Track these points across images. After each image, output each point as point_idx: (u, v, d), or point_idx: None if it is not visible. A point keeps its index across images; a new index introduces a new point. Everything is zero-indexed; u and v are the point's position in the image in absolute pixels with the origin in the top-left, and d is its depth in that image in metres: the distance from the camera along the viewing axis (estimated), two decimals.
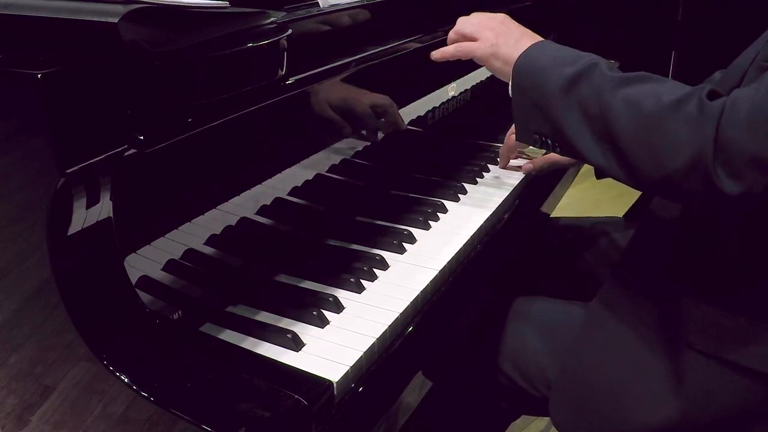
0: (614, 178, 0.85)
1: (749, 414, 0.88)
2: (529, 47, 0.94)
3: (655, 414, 0.90)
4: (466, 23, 1.04)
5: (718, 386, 0.87)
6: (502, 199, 1.14)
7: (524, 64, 0.92)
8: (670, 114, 0.76)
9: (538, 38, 0.99)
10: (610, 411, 0.93)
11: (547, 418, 1.03)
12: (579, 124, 0.84)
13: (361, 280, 0.87)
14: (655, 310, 0.94)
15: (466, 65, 1.43)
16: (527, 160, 1.29)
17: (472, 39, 1.02)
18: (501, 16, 1.06)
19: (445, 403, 1.21)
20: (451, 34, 1.06)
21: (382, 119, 1.14)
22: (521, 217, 1.18)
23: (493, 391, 1.11)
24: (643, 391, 0.91)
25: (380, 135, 1.13)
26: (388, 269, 0.92)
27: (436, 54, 1.06)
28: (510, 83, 0.93)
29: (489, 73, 1.54)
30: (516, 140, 1.00)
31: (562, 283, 1.33)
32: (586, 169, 1.42)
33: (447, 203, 1.11)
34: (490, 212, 1.09)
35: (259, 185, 0.87)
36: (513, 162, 1.29)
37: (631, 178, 0.81)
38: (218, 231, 0.83)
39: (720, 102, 0.74)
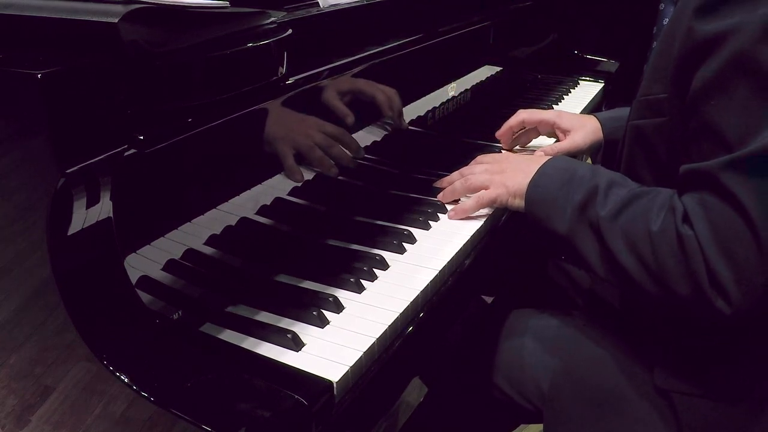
0: None
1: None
2: (535, 174, 0.95)
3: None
4: (473, 174, 1.05)
5: (708, 420, 0.87)
6: None
7: (534, 193, 0.94)
8: (657, 247, 0.78)
9: (542, 158, 0.98)
10: (600, 429, 0.93)
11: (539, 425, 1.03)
12: (597, 254, 0.86)
13: (361, 280, 0.87)
14: (625, 347, 0.96)
15: (466, 65, 1.44)
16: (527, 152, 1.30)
17: (485, 187, 1.02)
18: (505, 154, 1.09)
19: (440, 410, 1.21)
20: (460, 185, 1.05)
21: (387, 114, 1.14)
22: (521, 218, 1.18)
23: (488, 403, 1.11)
24: (635, 410, 0.91)
25: (380, 135, 1.13)
26: (388, 269, 0.92)
27: (457, 213, 1.03)
28: (527, 215, 0.95)
29: (489, 73, 1.55)
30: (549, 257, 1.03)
31: (562, 287, 1.33)
32: None
33: (447, 203, 1.11)
34: (490, 212, 1.09)
35: (259, 185, 0.87)
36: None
37: (656, 300, 0.82)
38: (218, 231, 0.83)
39: (691, 232, 0.76)
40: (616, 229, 0.82)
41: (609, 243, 0.83)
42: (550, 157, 0.99)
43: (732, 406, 0.86)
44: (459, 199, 1.08)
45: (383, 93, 1.11)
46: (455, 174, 1.09)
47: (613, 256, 0.83)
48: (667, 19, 0.95)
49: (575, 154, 1.27)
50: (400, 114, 1.18)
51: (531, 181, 0.95)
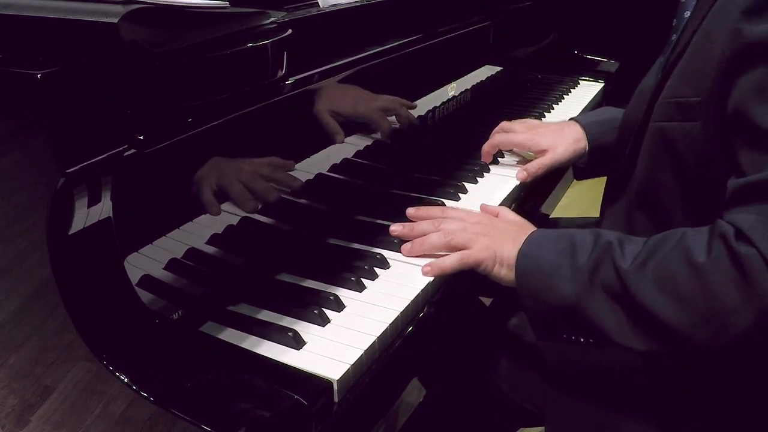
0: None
1: None
2: (523, 245, 0.86)
3: None
4: (453, 232, 0.91)
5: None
6: (502, 199, 1.14)
7: (526, 264, 0.84)
8: (709, 278, 0.70)
9: (529, 228, 0.92)
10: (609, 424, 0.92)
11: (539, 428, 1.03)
12: (616, 318, 0.77)
13: (362, 279, 0.87)
14: (619, 372, 0.92)
15: (466, 65, 1.44)
16: (519, 159, 1.29)
17: (464, 247, 0.90)
18: (478, 215, 0.97)
19: (440, 411, 1.21)
20: (435, 239, 0.91)
21: (394, 116, 1.14)
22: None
23: (487, 405, 1.10)
24: (635, 421, 0.90)
25: (381, 134, 1.13)
26: (389, 268, 0.92)
27: (435, 271, 0.88)
28: (518, 289, 0.85)
29: (489, 73, 1.55)
30: (538, 339, 0.87)
31: None
32: None
33: (447, 202, 1.11)
34: None
35: None
36: (509, 161, 1.29)
37: (703, 355, 0.76)
38: (220, 230, 0.83)
39: (752, 251, 0.68)
40: (647, 279, 0.74)
41: (639, 297, 0.74)
42: (535, 229, 0.91)
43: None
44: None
45: (381, 94, 1.11)
46: (424, 224, 0.95)
47: (645, 312, 0.74)
48: (689, 12, 0.90)
49: (558, 168, 1.25)
50: (409, 120, 1.19)
51: (520, 251, 0.85)
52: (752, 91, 0.74)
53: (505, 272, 0.88)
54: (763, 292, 0.67)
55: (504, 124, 1.27)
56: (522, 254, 0.85)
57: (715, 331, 0.71)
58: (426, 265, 0.89)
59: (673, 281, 0.73)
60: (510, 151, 1.32)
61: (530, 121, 1.31)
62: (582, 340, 0.82)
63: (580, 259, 0.80)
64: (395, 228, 0.96)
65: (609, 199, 1.06)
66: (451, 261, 0.89)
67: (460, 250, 0.90)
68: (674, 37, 0.92)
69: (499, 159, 1.30)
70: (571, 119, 1.27)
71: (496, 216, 0.99)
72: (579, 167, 1.27)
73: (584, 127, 1.22)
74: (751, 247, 0.68)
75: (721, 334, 0.71)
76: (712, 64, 0.79)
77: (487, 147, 1.25)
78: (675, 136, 0.85)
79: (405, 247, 0.93)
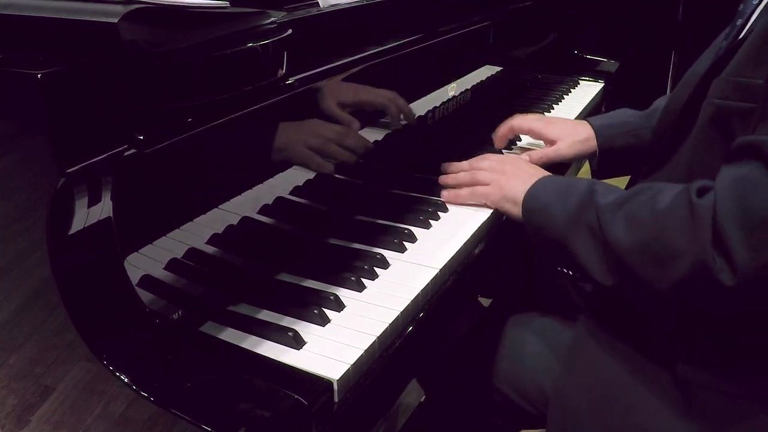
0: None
1: None
2: (531, 187, 0.97)
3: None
4: (480, 169, 1.08)
5: (728, 414, 0.84)
6: None
7: (531, 202, 0.96)
8: (664, 223, 0.76)
9: (543, 173, 1.01)
10: (606, 428, 0.92)
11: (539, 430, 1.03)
12: (590, 253, 0.85)
13: (362, 279, 0.87)
14: (636, 341, 0.93)
15: (466, 65, 1.44)
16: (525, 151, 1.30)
17: (484, 184, 1.06)
18: (511, 158, 1.11)
19: (440, 412, 1.20)
20: (464, 177, 1.10)
21: (397, 114, 1.15)
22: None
23: (487, 408, 1.10)
24: (643, 421, 0.89)
25: (381, 134, 1.13)
26: (389, 268, 0.92)
27: (451, 198, 1.09)
28: (524, 224, 0.96)
29: (489, 73, 1.55)
30: (548, 270, 1.03)
31: (560, 290, 1.32)
32: (586, 169, 1.42)
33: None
34: (491, 212, 1.09)
35: (260, 184, 0.87)
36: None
37: (648, 294, 0.81)
38: (220, 230, 0.83)
39: (709, 198, 0.73)
40: (617, 219, 0.81)
41: (608, 234, 0.82)
42: (548, 175, 1.01)
43: (753, 404, 0.83)
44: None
45: (389, 100, 1.12)
46: (464, 163, 1.12)
47: (611, 248, 0.81)
48: None
49: (561, 162, 1.27)
50: (410, 114, 1.19)
51: (528, 191, 0.97)
52: None
53: (509, 207, 1.01)
54: (702, 238, 0.72)
55: (518, 115, 1.31)
56: (528, 194, 0.97)
57: (660, 273, 0.76)
58: (444, 192, 1.10)
59: (637, 222, 0.79)
60: (515, 143, 1.34)
61: (546, 116, 1.34)
62: (571, 273, 0.92)
63: (571, 200, 0.89)
64: (443, 178, 1.13)
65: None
66: (464, 193, 1.08)
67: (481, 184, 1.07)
68: (739, 21, 0.91)
69: None
70: (585, 119, 1.29)
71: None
72: (593, 169, 1.29)
73: (596, 129, 1.24)
74: (711, 197, 0.73)
75: (663, 277, 0.76)
76: None
77: (502, 129, 1.30)
78: (730, 115, 0.84)
79: (443, 194, 1.11)
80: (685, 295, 0.77)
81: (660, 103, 1.24)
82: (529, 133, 1.30)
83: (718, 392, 0.84)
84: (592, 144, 1.23)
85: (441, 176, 1.14)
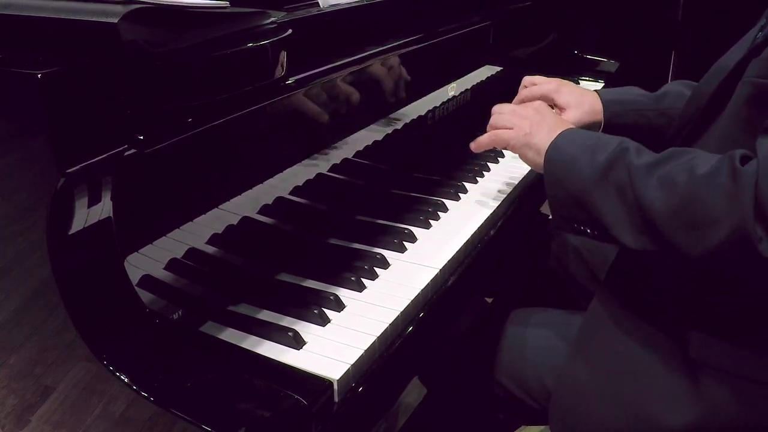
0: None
1: None
2: (557, 137, 0.94)
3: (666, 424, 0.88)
4: (501, 113, 1.06)
5: (735, 397, 0.84)
6: (502, 199, 1.14)
7: (555, 153, 0.93)
8: (704, 188, 0.75)
9: (567, 125, 1.00)
10: (609, 421, 0.92)
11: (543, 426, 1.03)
12: (617, 211, 0.83)
13: (362, 279, 0.87)
14: (649, 322, 0.93)
15: (466, 65, 1.44)
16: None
17: (507, 128, 1.04)
18: (536, 104, 1.08)
19: (440, 411, 1.20)
20: (491, 123, 1.08)
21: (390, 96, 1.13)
22: (521, 218, 1.18)
23: (489, 402, 1.10)
24: (650, 403, 0.89)
25: (381, 134, 1.13)
26: (389, 268, 0.92)
27: (473, 145, 1.07)
28: (544, 174, 0.94)
29: (489, 73, 1.55)
30: (554, 228, 1.01)
31: (562, 287, 1.32)
32: None
33: (447, 202, 1.11)
34: (491, 212, 1.09)
35: (260, 184, 0.87)
36: (508, 162, 1.29)
37: (676, 256, 0.80)
38: (220, 230, 0.83)
39: (752, 166, 0.72)
40: (652, 179, 0.80)
41: (641, 193, 0.80)
42: (572, 126, 1.00)
43: (760, 390, 0.84)
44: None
45: (382, 93, 1.11)
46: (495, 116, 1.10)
47: (642, 209, 0.79)
48: None
49: None
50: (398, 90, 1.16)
51: (553, 141, 0.94)
52: None
53: (531, 154, 0.99)
54: (743, 207, 0.71)
55: (527, 78, 1.28)
56: (553, 145, 0.94)
57: (695, 238, 0.75)
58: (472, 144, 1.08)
59: (673, 185, 0.78)
60: None
61: (557, 79, 1.32)
62: (588, 231, 0.89)
63: (599, 156, 0.86)
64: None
65: None
66: (485, 138, 1.05)
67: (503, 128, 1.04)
68: None
69: (499, 159, 1.30)
70: (595, 91, 1.26)
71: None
72: None
73: (604, 102, 1.22)
74: (753, 165, 0.72)
75: (698, 242, 0.75)
76: None
77: (518, 98, 1.25)
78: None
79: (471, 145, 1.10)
80: (718, 262, 0.76)
81: (670, 87, 1.22)
82: (541, 97, 1.24)
83: (728, 374, 0.84)
84: (599, 117, 1.21)
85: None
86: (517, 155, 1.27)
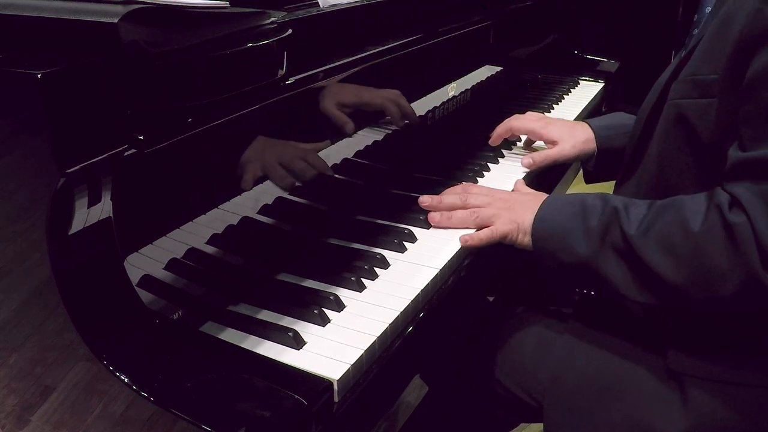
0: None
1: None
2: (539, 210, 0.94)
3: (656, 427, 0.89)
4: (479, 208, 1.00)
5: (722, 403, 0.86)
6: None
7: (542, 228, 0.93)
8: (703, 246, 0.78)
9: (544, 196, 0.99)
10: (601, 419, 0.93)
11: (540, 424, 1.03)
12: (623, 274, 0.85)
13: (362, 279, 0.87)
14: (632, 326, 0.95)
15: (466, 65, 1.44)
16: (527, 152, 1.30)
17: (489, 223, 0.99)
18: (498, 190, 1.05)
19: (440, 409, 1.21)
20: (464, 215, 1.00)
21: (398, 114, 1.14)
22: None
23: (489, 400, 1.11)
24: (641, 395, 0.91)
25: (381, 134, 1.13)
26: (389, 268, 0.92)
27: (472, 242, 0.97)
28: (535, 250, 0.94)
29: (489, 73, 1.55)
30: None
31: (562, 287, 1.32)
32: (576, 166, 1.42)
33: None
34: None
35: (260, 184, 0.87)
36: (508, 162, 1.29)
37: (688, 308, 0.84)
38: (220, 230, 0.83)
39: (741, 217, 0.75)
40: (650, 244, 0.82)
41: (644, 258, 0.82)
42: (547, 195, 0.99)
43: (744, 393, 0.85)
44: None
45: (390, 100, 1.11)
46: (451, 197, 1.03)
47: (650, 271, 0.82)
48: (710, 8, 0.93)
49: (563, 163, 1.27)
50: (411, 115, 1.19)
51: (536, 216, 0.94)
52: (764, 71, 0.77)
53: (527, 239, 0.96)
54: (749, 254, 0.74)
55: (515, 115, 1.31)
56: (538, 219, 0.94)
57: (708, 292, 0.78)
58: (463, 236, 0.98)
59: (673, 247, 0.80)
60: (515, 144, 1.34)
61: (544, 115, 1.34)
62: (593, 293, 0.92)
63: (591, 222, 0.88)
64: (424, 199, 1.03)
65: (619, 185, 1.08)
66: (482, 236, 0.99)
67: (485, 225, 0.99)
68: (695, 31, 0.94)
69: (499, 159, 1.31)
70: (583, 121, 1.28)
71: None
72: (588, 170, 1.28)
73: (594, 130, 1.24)
74: (744, 216, 0.75)
75: (713, 294, 0.78)
76: (731, 43, 0.81)
77: (500, 129, 1.29)
78: (690, 111, 0.88)
79: (433, 216, 1.02)
80: (735, 308, 0.80)
81: None
82: (528, 133, 1.30)
83: (708, 380, 0.86)
84: (592, 145, 1.24)
85: (420, 197, 1.04)
86: (517, 156, 1.30)
